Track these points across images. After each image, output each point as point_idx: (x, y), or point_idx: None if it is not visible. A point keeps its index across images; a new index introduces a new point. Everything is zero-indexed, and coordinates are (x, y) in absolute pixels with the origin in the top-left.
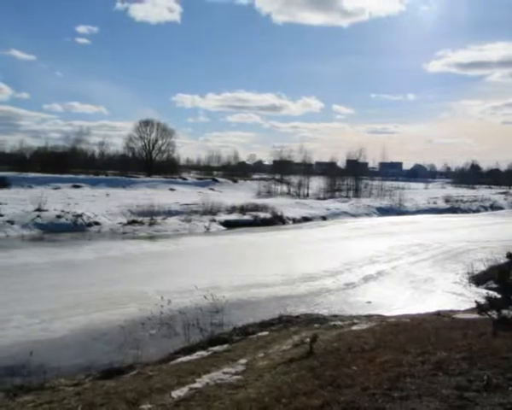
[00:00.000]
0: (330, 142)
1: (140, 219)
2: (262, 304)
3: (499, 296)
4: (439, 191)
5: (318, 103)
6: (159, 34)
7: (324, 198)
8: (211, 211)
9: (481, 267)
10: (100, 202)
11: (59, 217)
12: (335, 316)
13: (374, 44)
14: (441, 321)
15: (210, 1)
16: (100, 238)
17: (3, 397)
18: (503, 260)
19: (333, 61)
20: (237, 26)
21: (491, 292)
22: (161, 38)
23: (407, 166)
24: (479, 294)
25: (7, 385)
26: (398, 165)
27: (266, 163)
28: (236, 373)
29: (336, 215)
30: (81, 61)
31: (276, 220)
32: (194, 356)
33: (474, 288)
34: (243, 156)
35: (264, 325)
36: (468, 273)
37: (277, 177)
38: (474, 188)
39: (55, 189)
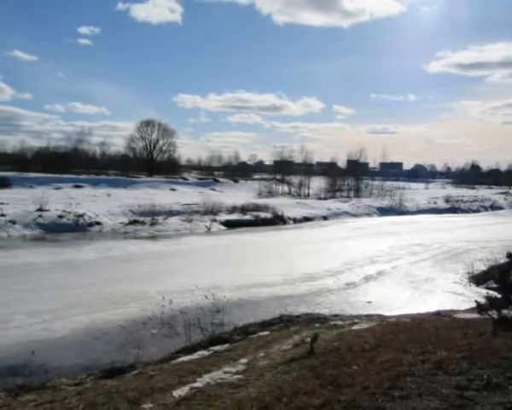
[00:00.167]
0: (331, 142)
1: (141, 219)
2: (263, 304)
3: (499, 296)
4: (439, 191)
5: (319, 104)
6: (160, 34)
7: (325, 198)
8: (212, 211)
9: (481, 267)
10: (101, 202)
11: (60, 217)
12: (336, 316)
13: (374, 45)
14: (441, 321)
15: (211, 1)
16: (101, 238)
17: (5, 397)
18: (503, 259)
19: (333, 62)
20: (238, 26)
21: (491, 292)
22: (162, 38)
23: (407, 166)
24: (479, 294)
25: (8, 385)
26: (399, 165)
27: (267, 163)
28: (237, 373)
29: (337, 215)
30: (83, 62)
31: (277, 220)
32: (196, 356)
33: (474, 288)
34: (244, 156)
35: (264, 325)
36: (469, 273)
37: (278, 177)
38: (474, 188)
39: (57, 189)
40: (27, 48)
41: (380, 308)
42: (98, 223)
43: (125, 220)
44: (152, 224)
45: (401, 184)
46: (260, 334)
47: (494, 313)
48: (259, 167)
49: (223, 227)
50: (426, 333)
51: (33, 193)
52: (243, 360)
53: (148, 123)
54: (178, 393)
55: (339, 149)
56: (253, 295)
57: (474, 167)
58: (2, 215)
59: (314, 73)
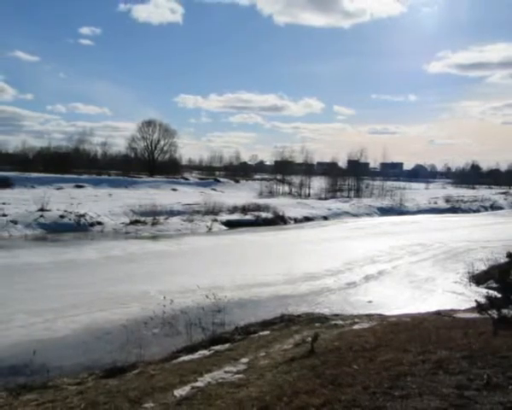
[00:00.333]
0: (331, 142)
1: (142, 219)
2: (263, 303)
3: (499, 296)
4: (439, 191)
5: (319, 104)
6: (161, 35)
7: (326, 198)
8: (213, 211)
9: (482, 267)
10: (102, 202)
11: (62, 217)
12: (336, 315)
13: (375, 45)
14: (442, 320)
15: (212, 2)
16: (103, 238)
17: (7, 396)
18: (503, 259)
19: (334, 62)
20: (239, 27)
21: (491, 292)
22: (163, 39)
23: (408, 166)
24: (479, 293)
25: (10, 384)
26: (399, 165)
27: (268, 163)
28: (238, 372)
29: (337, 215)
30: (84, 63)
31: (278, 220)
32: (197, 355)
33: (474, 287)
34: (245, 157)
35: (265, 325)
36: (469, 273)
37: (279, 177)
38: (474, 188)
39: (58, 189)
40: (29, 48)
41: (380, 308)
42: (99, 223)
43: (127, 220)
44: (153, 224)
45: (401, 184)
46: (261, 333)
47: (494, 313)
48: (260, 167)
49: (224, 227)
50: (426, 333)
51: (35, 193)
52: (244, 360)
53: (149, 123)
54: (179, 392)
55: (339, 149)
56: (254, 294)
57: (474, 167)
58: (4, 215)
59: (315, 73)
